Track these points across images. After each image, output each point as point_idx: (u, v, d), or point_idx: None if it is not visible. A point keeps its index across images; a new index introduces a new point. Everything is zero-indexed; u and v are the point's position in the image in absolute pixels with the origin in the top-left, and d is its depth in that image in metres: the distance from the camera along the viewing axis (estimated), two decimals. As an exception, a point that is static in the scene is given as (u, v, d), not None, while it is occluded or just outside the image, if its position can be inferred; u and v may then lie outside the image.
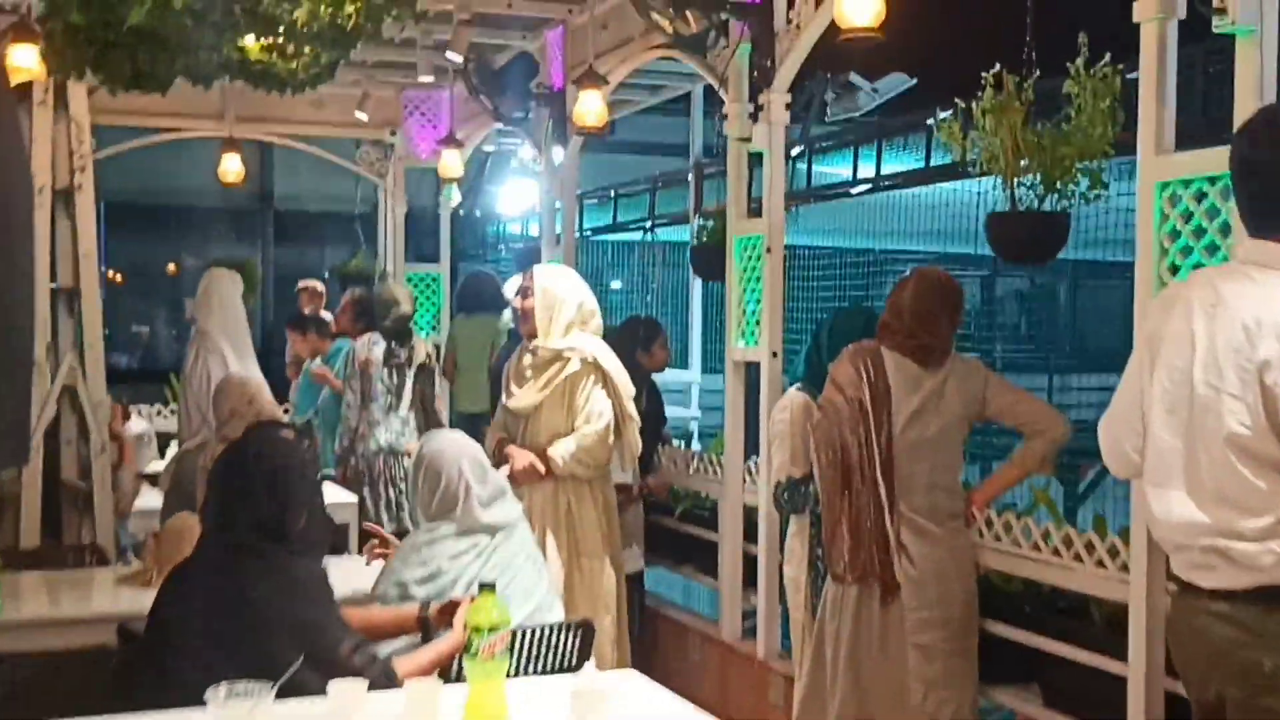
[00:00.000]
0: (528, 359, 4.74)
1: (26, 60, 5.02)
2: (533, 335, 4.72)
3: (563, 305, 4.69)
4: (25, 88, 4.79)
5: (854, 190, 6.94)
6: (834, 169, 7.61)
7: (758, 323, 5.03)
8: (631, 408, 4.76)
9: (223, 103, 8.42)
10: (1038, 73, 4.22)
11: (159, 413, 8.55)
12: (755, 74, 4.96)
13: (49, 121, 4.64)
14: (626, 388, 4.75)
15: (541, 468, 4.60)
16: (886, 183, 6.61)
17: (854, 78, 7.81)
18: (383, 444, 6.76)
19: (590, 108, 5.92)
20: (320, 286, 9.07)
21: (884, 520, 3.98)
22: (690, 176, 8.90)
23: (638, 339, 5.93)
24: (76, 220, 4.65)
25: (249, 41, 6.52)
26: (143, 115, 8.31)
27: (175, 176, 13.79)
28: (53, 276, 4.75)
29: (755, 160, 5.23)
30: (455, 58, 6.63)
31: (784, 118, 4.95)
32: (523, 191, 12.44)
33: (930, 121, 4.44)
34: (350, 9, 6.19)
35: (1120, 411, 2.82)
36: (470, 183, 14.18)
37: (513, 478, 4.51)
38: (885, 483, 3.99)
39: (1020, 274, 13.94)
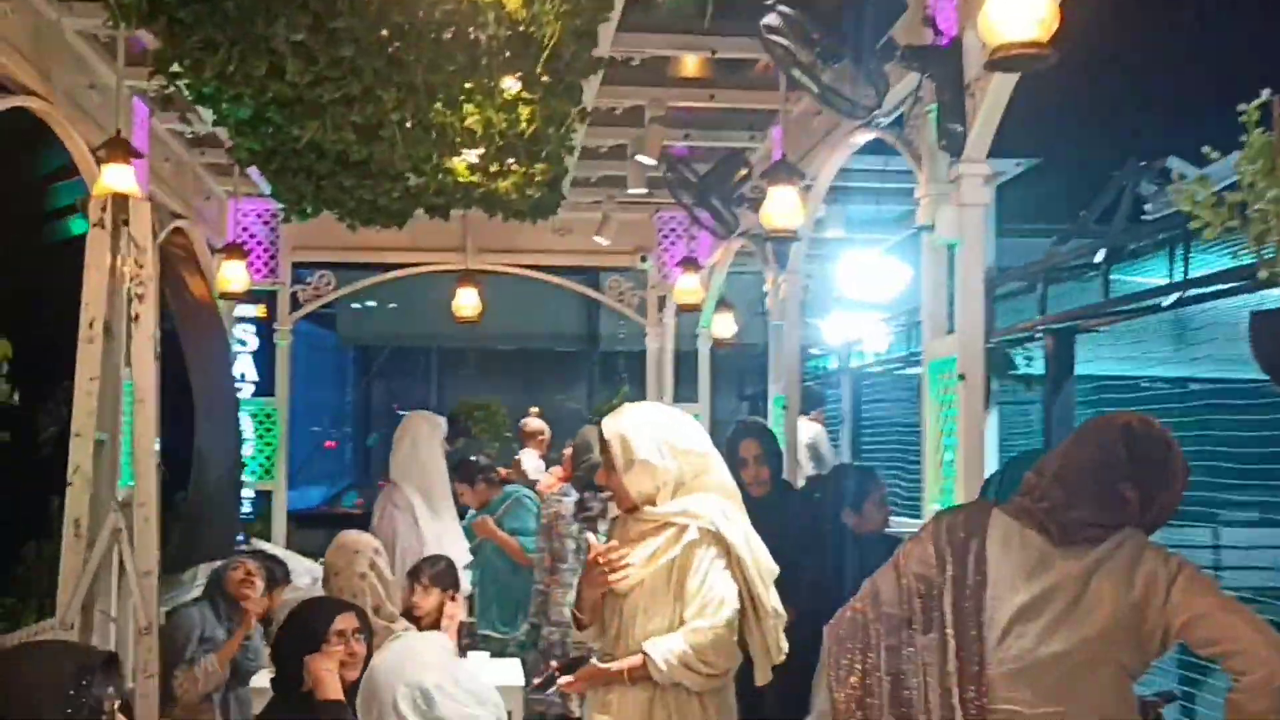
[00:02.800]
0: (632, 525, 3.56)
1: (122, 180, 4.53)
2: (633, 509, 3.55)
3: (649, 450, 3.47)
4: (83, 203, 4.25)
5: (1165, 302, 5.36)
6: (1148, 278, 6.00)
7: (955, 477, 3.64)
8: (771, 597, 3.46)
9: (462, 235, 7.95)
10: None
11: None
12: (943, 142, 3.67)
13: (105, 244, 4.02)
14: (763, 567, 3.47)
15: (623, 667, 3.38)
16: (1194, 290, 5.02)
17: (1174, 162, 6.19)
18: (574, 612, 5.69)
19: (780, 207, 4.82)
20: (536, 424, 8.15)
21: None
22: (982, 295, 7.44)
23: (844, 494, 4.65)
24: (133, 359, 3.98)
25: (454, 163, 6.02)
26: (385, 250, 8.04)
27: (514, 320, 13.58)
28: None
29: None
30: (648, 161, 5.72)
31: (981, 196, 3.62)
32: (844, 323, 11.21)
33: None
34: (525, 111, 5.49)
35: None
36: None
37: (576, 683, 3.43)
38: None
39: None
